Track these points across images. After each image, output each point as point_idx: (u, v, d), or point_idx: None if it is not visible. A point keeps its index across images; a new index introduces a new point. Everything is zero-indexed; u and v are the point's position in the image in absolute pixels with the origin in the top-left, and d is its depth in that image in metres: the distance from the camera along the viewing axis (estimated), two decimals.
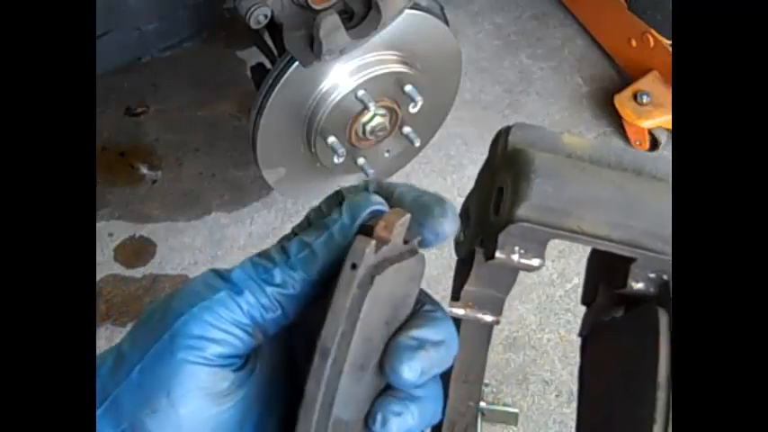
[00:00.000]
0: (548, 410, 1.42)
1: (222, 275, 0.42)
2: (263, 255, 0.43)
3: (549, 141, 0.47)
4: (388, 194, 0.45)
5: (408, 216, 0.43)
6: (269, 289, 0.42)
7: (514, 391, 1.44)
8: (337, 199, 0.46)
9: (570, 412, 1.43)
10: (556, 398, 1.43)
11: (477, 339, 0.48)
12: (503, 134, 0.48)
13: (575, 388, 1.62)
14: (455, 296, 0.49)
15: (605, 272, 0.48)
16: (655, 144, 1.71)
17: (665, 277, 0.44)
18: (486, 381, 1.39)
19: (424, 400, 0.43)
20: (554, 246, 1.73)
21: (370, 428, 0.42)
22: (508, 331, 1.49)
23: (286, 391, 0.44)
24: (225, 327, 0.41)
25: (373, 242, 0.41)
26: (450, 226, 0.43)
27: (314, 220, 0.45)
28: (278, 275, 0.42)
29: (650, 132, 1.70)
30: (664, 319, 0.41)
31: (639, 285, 0.45)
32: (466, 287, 0.48)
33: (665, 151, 1.70)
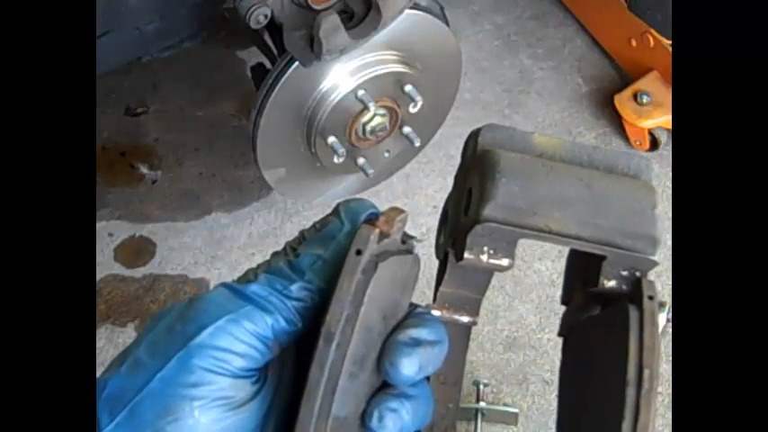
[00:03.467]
0: (548, 410, 1.42)
1: (239, 291, 0.43)
2: (275, 271, 0.44)
3: (518, 142, 0.47)
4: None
5: (406, 214, 0.45)
6: (290, 303, 0.43)
7: (514, 391, 1.44)
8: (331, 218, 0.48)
9: None
10: (556, 398, 1.43)
11: (454, 341, 0.48)
12: (473, 136, 0.48)
13: None
14: (433, 298, 0.50)
15: (580, 271, 0.48)
16: (655, 144, 1.71)
17: (637, 274, 0.44)
18: (485, 381, 1.40)
19: (418, 399, 0.44)
20: (554, 246, 1.72)
21: (367, 425, 0.43)
22: (508, 331, 1.49)
23: (295, 400, 0.45)
24: (249, 340, 0.42)
25: (377, 230, 0.43)
26: None
27: (310, 237, 0.47)
28: (296, 290, 0.43)
29: (650, 132, 1.70)
30: (634, 316, 0.42)
31: (612, 283, 0.45)
32: (441, 289, 0.49)
33: (665, 151, 1.70)
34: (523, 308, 1.51)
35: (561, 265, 1.59)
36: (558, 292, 1.74)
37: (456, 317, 0.50)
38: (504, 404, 1.41)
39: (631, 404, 0.39)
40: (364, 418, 0.43)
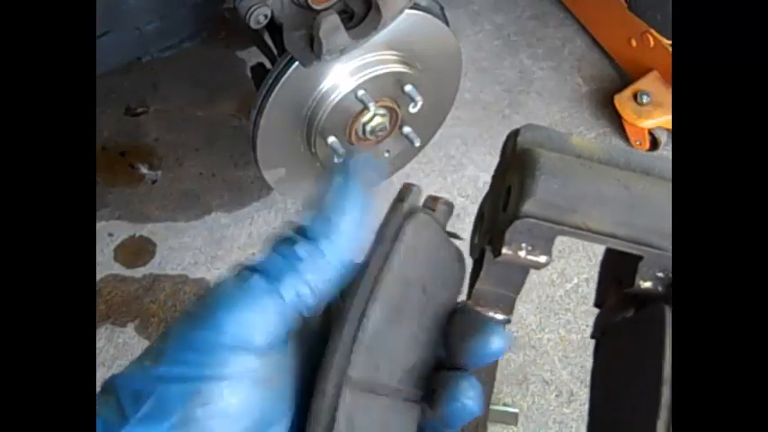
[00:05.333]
0: (548, 410, 1.42)
1: (251, 267, 0.43)
2: (281, 240, 0.44)
3: (557, 142, 0.47)
4: None
5: (452, 206, 0.48)
6: (300, 266, 0.43)
7: (514, 391, 1.44)
8: None
9: (570, 412, 1.43)
10: (556, 398, 1.43)
11: None
12: (512, 136, 0.48)
13: (575, 388, 1.63)
14: (468, 296, 0.50)
15: (615, 272, 0.48)
16: (655, 144, 1.71)
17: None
18: None
19: (482, 387, 0.45)
20: (554, 246, 1.72)
21: (442, 406, 0.43)
22: None
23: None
24: (267, 311, 0.42)
25: (421, 191, 0.46)
26: None
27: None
28: (302, 251, 0.43)
29: (650, 132, 1.70)
30: (669, 317, 0.41)
31: (647, 284, 0.45)
32: (477, 286, 0.49)
33: (665, 151, 1.70)
34: (523, 308, 1.51)
35: (561, 265, 1.60)
36: (558, 292, 1.74)
37: (491, 314, 0.50)
38: (504, 404, 1.41)
39: (666, 402, 0.39)
40: (432, 397, 0.44)
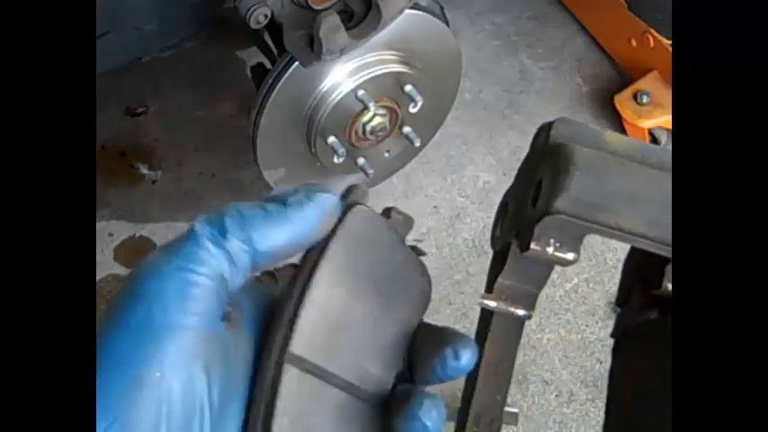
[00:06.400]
0: (548, 410, 1.42)
1: (178, 236, 0.42)
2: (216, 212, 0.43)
3: (590, 138, 0.47)
4: None
5: (411, 220, 0.48)
6: (226, 241, 0.41)
7: (514, 391, 1.44)
8: None
9: (570, 412, 1.42)
10: (556, 398, 1.43)
11: (508, 333, 0.49)
12: (544, 129, 0.48)
13: (575, 388, 1.62)
14: (488, 289, 0.49)
15: (641, 273, 0.47)
16: (654, 144, 1.71)
17: None
18: None
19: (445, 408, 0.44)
20: None
21: (412, 412, 0.42)
22: None
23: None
24: (192, 278, 0.39)
25: (361, 188, 0.46)
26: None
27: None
28: (231, 226, 0.41)
29: (650, 132, 1.70)
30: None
31: None
32: (499, 280, 0.48)
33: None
34: None
35: None
36: (558, 292, 1.73)
37: (512, 309, 0.49)
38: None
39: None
40: (401, 405, 0.42)
